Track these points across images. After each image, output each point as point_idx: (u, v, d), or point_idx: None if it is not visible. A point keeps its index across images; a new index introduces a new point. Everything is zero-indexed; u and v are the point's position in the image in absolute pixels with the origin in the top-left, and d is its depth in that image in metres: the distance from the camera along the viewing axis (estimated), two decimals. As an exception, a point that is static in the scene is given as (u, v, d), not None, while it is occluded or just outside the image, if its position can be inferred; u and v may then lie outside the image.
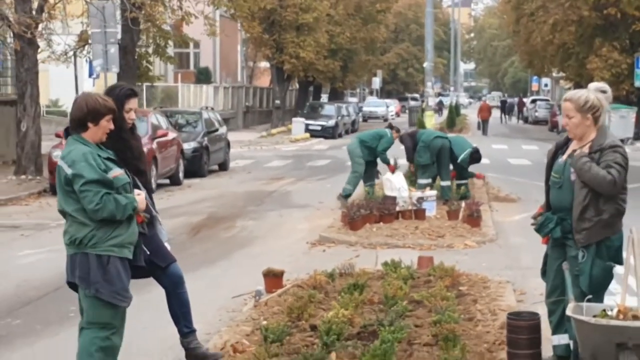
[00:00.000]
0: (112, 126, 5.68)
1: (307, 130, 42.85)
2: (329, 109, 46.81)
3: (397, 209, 14.27)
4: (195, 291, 8.68)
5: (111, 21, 22.29)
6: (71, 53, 27.91)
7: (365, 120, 62.40)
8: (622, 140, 30.19)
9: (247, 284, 9.37)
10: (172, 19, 28.24)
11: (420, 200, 14.61)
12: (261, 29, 44.66)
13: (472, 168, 17.23)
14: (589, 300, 5.36)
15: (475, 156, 16.78)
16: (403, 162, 17.16)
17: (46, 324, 8.25)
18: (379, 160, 17.03)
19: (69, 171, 5.48)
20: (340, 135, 44.77)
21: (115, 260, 5.54)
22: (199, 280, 9.94)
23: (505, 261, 11.39)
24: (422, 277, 9.37)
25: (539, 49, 46.61)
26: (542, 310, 6.58)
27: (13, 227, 14.48)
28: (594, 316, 5.16)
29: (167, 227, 13.84)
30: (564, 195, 6.04)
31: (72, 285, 5.71)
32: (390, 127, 17.47)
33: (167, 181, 21.33)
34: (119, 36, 23.52)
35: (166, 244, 6.62)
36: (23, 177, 20.91)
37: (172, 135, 21.54)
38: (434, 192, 15.18)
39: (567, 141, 6.26)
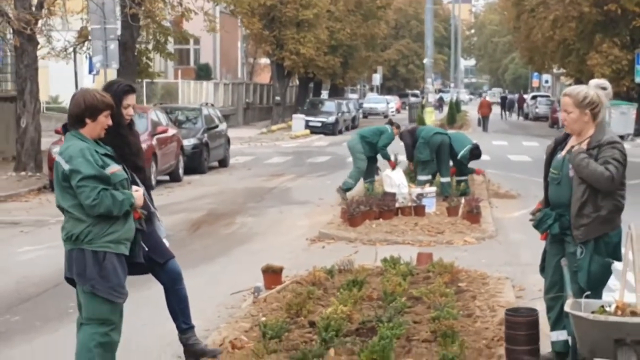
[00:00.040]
0: (110, 122, 5.68)
1: (307, 126, 42.83)
2: (329, 105, 46.79)
3: (397, 205, 14.27)
4: (194, 287, 8.68)
5: (111, 17, 22.30)
6: (71, 49, 27.90)
7: (365, 116, 62.37)
8: (622, 137, 30.03)
9: (246, 280, 9.37)
10: (172, 15, 28.26)
11: (420, 196, 14.60)
12: (261, 25, 44.61)
13: (472, 164, 17.22)
14: (587, 297, 5.36)
15: (475, 152, 16.77)
16: (403, 158, 17.18)
17: (45, 321, 8.25)
18: (379, 156, 17.06)
19: (66, 167, 5.47)
20: (340, 132, 44.75)
21: (111, 256, 5.54)
22: (199, 277, 9.94)
23: (505, 257, 11.38)
24: (422, 273, 9.38)
25: (540, 45, 46.58)
26: (541, 307, 6.58)
27: (13, 223, 14.47)
28: (592, 312, 5.16)
29: (166, 223, 13.83)
30: (563, 192, 6.04)
31: (71, 281, 5.72)
32: (391, 123, 17.50)
33: (167, 178, 21.32)
34: (119, 32, 23.52)
35: (165, 240, 6.61)
36: (23, 173, 20.90)
37: (172, 131, 21.53)
38: (433, 189, 15.17)
39: (566, 137, 6.25)
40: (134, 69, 26.39)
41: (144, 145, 18.75)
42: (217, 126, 25.31)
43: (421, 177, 16.28)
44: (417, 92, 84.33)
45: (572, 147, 6.05)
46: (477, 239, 12.65)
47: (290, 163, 27.04)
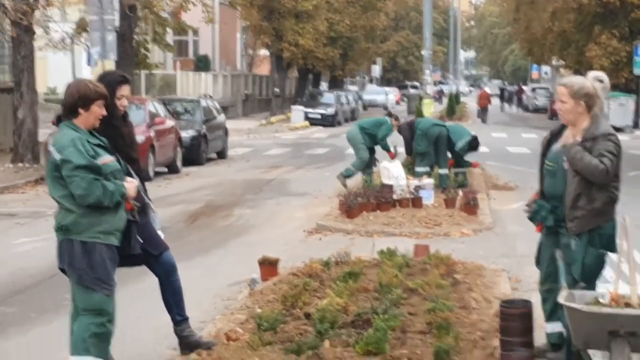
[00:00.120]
0: (104, 112, 5.67)
1: (306, 118, 42.79)
2: (329, 97, 46.75)
3: (395, 197, 14.25)
4: (190, 279, 8.68)
5: (109, 8, 22.25)
6: (68, 40, 27.85)
7: (365, 108, 62.29)
8: (620, 129, 30.03)
9: (243, 272, 9.36)
10: (170, 6, 28.20)
11: (418, 188, 14.58)
12: (260, 16, 44.57)
13: (471, 156, 17.20)
14: (581, 288, 5.34)
15: (473, 144, 16.75)
16: (402, 149, 17.20)
17: (41, 312, 8.24)
18: (378, 147, 17.09)
19: (57, 157, 5.47)
20: (339, 124, 44.71)
21: (101, 247, 5.53)
22: (195, 269, 9.93)
23: (502, 249, 11.38)
24: (418, 265, 9.35)
25: (539, 36, 46.58)
26: (537, 298, 6.57)
27: (9, 215, 14.48)
28: (586, 304, 5.15)
29: (164, 215, 13.88)
30: (557, 183, 6.03)
31: (65, 272, 5.72)
32: (390, 115, 17.53)
33: (165, 169, 21.30)
34: (117, 23, 23.47)
35: (159, 232, 6.58)
36: (20, 165, 20.89)
37: (170, 123, 21.51)
38: (431, 181, 15.15)
39: (562, 129, 6.24)
40: (132, 60, 26.36)
41: (141, 137, 18.90)
42: (215, 118, 25.30)
43: (419, 169, 16.26)
44: (417, 83, 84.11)
45: (567, 139, 6.04)
46: (474, 230, 12.64)
47: (289, 155, 27.02)
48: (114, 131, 6.09)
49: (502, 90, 71.10)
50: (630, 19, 39.72)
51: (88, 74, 32.37)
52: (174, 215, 14.30)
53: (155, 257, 6.42)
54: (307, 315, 7.30)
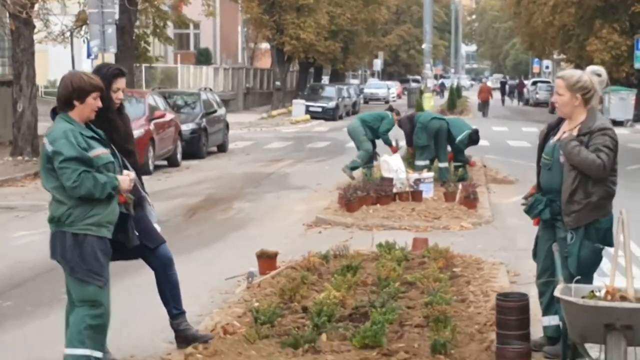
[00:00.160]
0: (99, 104, 5.65)
1: (307, 112, 42.75)
2: (330, 90, 46.71)
3: (394, 190, 14.23)
4: (189, 273, 8.68)
5: (108, 1, 22.25)
6: (68, 33, 27.81)
7: (366, 102, 62.29)
8: (621, 123, 30.00)
9: (241, 265, 9.32)
10: (170, -1, 28.17)
11: (418, 182, 14.56)
12: (261, 9, 44.48)
13: (471, 150, 17.16)
14: (577, 282, 5.33)
15: (473, 137, 16.72)
16: (403, 143, 17.20)
17: (37, 306, 8.23)
18: (379, 141, 17.10)
19: (49, 148, 5.48)
20: (340, 117, 44.66)
21: (92, 239, 5.52)
22: (193, 262, 9.92)
23: (501, 243, 11.36)
24: (417, 258, 9.35)
25: (540, 31, 46.50)
26: (534, 292, 6.56)
27: (8, 208, 14.47)
28: (582, 297, 5.13)
29: (163, 208, 13.88)
30: (554, 177, 6.02)
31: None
32: (391, 109, 17.51)
33: (165, 163, 21.28)
34: (117, 16, 23.45)
35: (156, 225, 6.57)
36: (19, 158, 20.88)
37: (169, 116, 21.46)
38: (431, 174, 15.13)
39: (559, 122, 6.23)
40: (132, 54, 26.34)
41: (141, 130, 18.88)
42: (215, 111, 25.26)
43: (419, 163, 16.23)
44: (418, 77, 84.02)
45: (564, 133, 6.03)
46: (474, 224, 12.62)
47: (290, 148, 26.99)
48: (110, 124, 6.07)
49: (502, 84, 71.02)
50: (631, 12, 39.64)
51: (88, 67, 32.32)
52: (174, 208, 14.29)
53: (152, 251, 6.41)
54: (305, 309, 7.30)
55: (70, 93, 5.55)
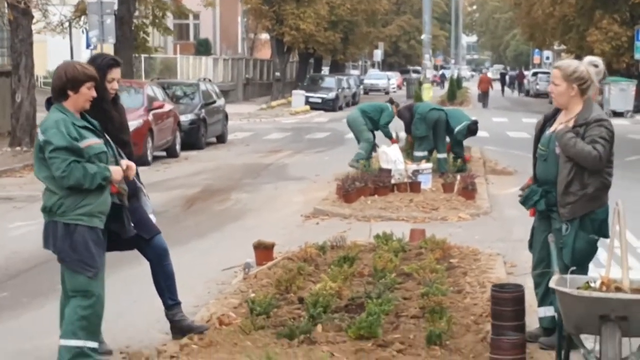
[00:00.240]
0: (94, 94, 5.65)
1: (307, 102, 42.69)
2: (329, 81, 46.64)
3: (393, 181, 14.20)
4: (185, 264, 8.68)
5: (107, -8, 22.18)
6: (67, 24, 27.75)
7: (366, 92, 62.21)
8: (621, 114, 29.92)
9: (238, 256, 9.31)
10: (169, -10, 28.10)
11: (416, 172, 14.53)
12: (260, 0, 44.36)
13: (471, 140, 17.11)
14: (572, 273, 5.32)
15: (472, 128, 16.69)
16: (403, 134, 17.19)
17: (33, 297, 8.22)
18: (378, 133, 17.09)
19: (41, 138, 5.50)
20: (340, 108, 44.61)
21: (83, 229, 5.51)
22: (190, 253, 9.92)
23: (498, 233, 11.34)
24: (414, 249, 9.33)
25: (540, 21, 46.42)
26: (531, 283, 6.55)
27: (7, 198, 14.45)
28: (578, 288, 5.12)
29: (162, 199, 13.87)
30: (549, 168, 6.01)
31: None
32: (391, 102, 17.49)
33: (164, 153, 21.26)
34: (116, 7, 23.40)
35: (151, 216, 6.55)
36: (18, 148, 20.85)
37: (168, 107, 21.43)
38: (429, 165, 15.10)
39: (555, 113, 6.21)
40: (131, 44, 26.29)
41: (139, 121, 18.86)
42: (214, 102, 25.22)
43: (417, 154, 16.21)
44: (419, 68, 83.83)
45: (560, 124, 6.01)
46: (472, 215, 12.60)
47: (289, 139, 26.96)
48: (104, 115, 6.05)
49: (502, 74, 70.93)
50: (631, 3, 39.55)
51: (87, 57, 32.32)
52: (172, 199, 14.28)
53: (147, 241, 6.39)
54: (301, 300, 7.28)
55: (64, 83, 5.54)
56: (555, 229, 5.99)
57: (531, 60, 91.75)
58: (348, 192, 13.33)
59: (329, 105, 43.60)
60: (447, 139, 16.57)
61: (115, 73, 6.30)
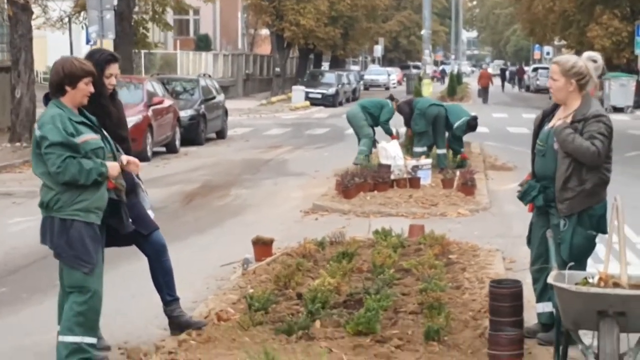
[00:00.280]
0: (91, 89, 5.64)
1: (307, 98, 42.66)
2: (330, 77, 46.59)
3: (392, 177, 14.19)
4: (184, 259, 8.68)
5: (107, -13, 22.16)
6: (66, 19, 27.73)
7: (366, 88, 62.16)
8: (621, 109, 29.89)
9: (238, 252, 9.30)
10: (169, -15, 28.07)
11: (415, 168, 14.52)
12: (260, -5, 44.36)
13: (471, 136, 17.09)
14: (571, 268, 5.31)
15: (471, 124, 16.68)
16: (403, 130, 17.17)
17: (32, 292, 8.22)
18: (378, 129, 17.09)
19: (37, 133, 5.50)
20: (340, 104, 44.57)
21: (79, 224, 5.51)
22: (189, 249, 9.92)
23: (498, 229, 11.33)
24: (413, 245, 9.33)
25: (540, 17, 46.38)
26: (529, 278, 6.55)
27: (6, 194, 14.45)
28: (576, 284, 5.11)
29: (161, 195, 13.87)
30: (548, 164, 6.00)
31: None
32: (392, 98, 17.48)
33: (164, 149, 21.25)
34: (115, 2, 23.37)
35: (150, 212, 6.54)
36: (17, 144, 20.84)
37: (168, 102, 21.41)
38: (429, 161, 15.08)
39: (554, 108, 6.20)
40: (131, 40, 26.27)
41: (139, 116, 18.86)
42: (214, 97, 25.20)
43: (417, 149, 16.20)
44: (419, 64, 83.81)
45: (559, 119, 6.00)
46: (471, 211, 12.59)
47: (289, 135, 26.95)
48: (102, 110, 6.04)
49: (502, 70, 70.86)
50: (632, -2, 39.58)
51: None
52: (171, 195, 14.27)
53: (145, 237, 6.38)
54: (299, 296, 7.28)
55: (62, 78, 5.54)
56: (553, 225, 5.99)
57: (531, 55, 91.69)
58: (347, 187, 13.33)
59: (329, 101, 43.56)
60: (447, 135, 16.56)
61: (113, 68, 6.30)
